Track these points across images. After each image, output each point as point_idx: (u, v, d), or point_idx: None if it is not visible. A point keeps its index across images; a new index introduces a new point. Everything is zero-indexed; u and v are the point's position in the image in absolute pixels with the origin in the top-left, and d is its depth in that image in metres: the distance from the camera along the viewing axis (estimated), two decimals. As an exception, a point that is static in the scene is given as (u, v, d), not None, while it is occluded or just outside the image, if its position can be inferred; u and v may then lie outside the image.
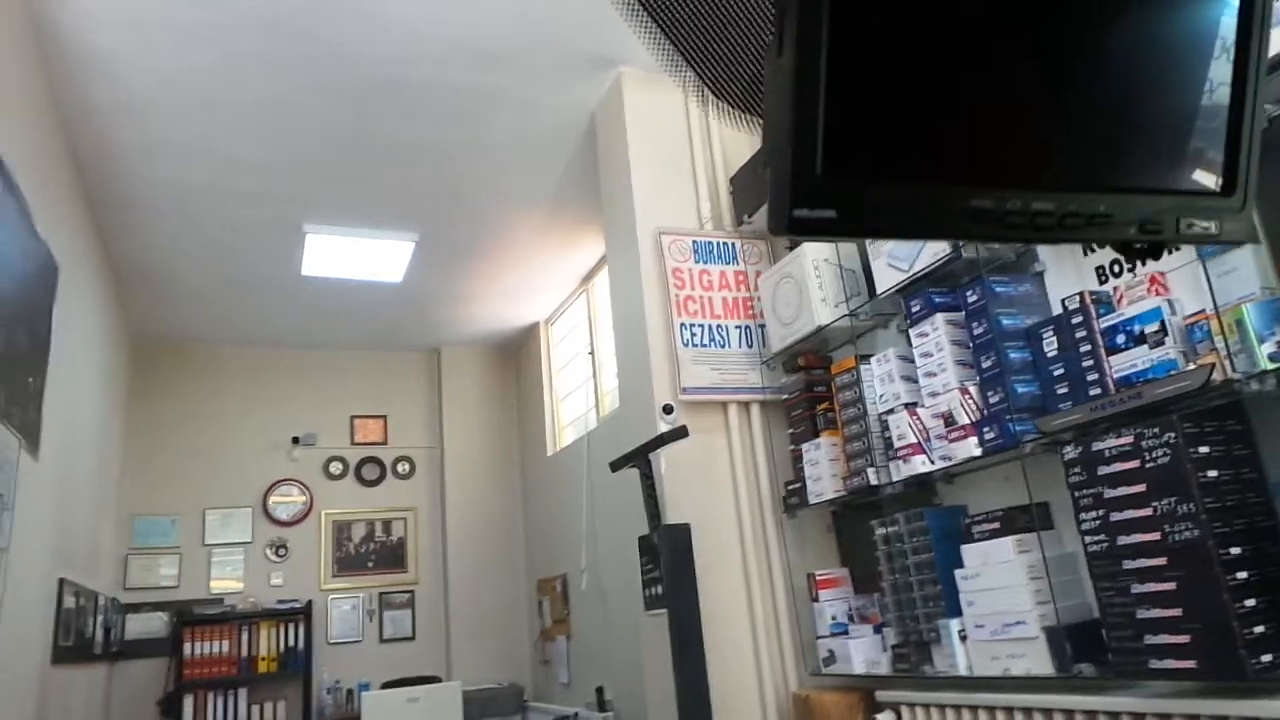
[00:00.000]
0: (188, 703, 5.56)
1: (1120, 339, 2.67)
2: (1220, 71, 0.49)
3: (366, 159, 4.67)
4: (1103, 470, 2.58)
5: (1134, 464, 2.50)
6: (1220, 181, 0.51)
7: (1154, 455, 2.45)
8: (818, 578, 3.87)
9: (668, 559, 3.68)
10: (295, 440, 6.69)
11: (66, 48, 3.72)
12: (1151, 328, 2.59)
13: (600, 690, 5.34)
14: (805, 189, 0.45)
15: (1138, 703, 2.46)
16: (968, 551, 3.09)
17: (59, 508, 4.31)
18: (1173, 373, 2.49)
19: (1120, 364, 2.65)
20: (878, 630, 3.59)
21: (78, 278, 4.60)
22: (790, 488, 4.00)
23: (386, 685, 5.93)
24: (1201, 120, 0.50)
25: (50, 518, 4.15)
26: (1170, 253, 2.69)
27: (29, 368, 3.73)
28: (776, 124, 0.45)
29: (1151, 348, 2.58)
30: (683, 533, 3.79)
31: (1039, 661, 2.79)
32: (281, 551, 6.51)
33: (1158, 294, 2.64)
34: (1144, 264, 2.75)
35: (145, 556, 6.13)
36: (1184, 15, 0.50)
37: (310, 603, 6.24)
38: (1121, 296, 2.75)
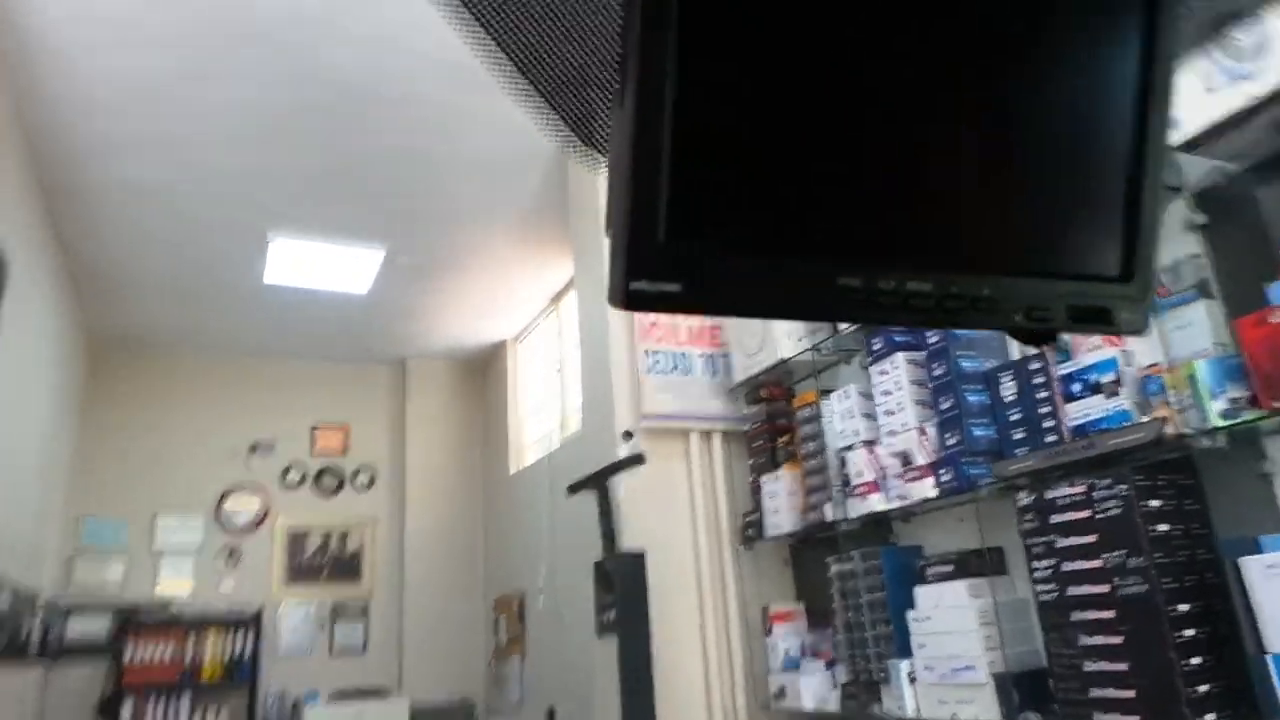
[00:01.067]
0: (126, 707, 5.41)
1: (1076, 387, 2.67)
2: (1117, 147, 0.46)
3: (336, 168, 4.61)
4: (1055, 519, 2.57)
5: (1085, 514, 2.49)
6: (1118, 268, 0.48)
7: (1105, 506, 2.44)
8: (772, 611, 3.83)
9: (620, 586, 3.63)
10: (253, 448, 6.57)
11: (24, 36, 3.63)
12: (1107, 378, 2.59)
13: (551, 711, 5.26)
14: (645, 259, 0.40)
15: (1087, 755, 2.44)
16: (921, 593, 3.07)
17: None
18: (1126, 424, 2.49)
19: (1075, 412, 2.65)
20: (829, 667, 3.56)
21: (30, 273, 4.48)
22: (749, 519, 3.97)
23: (335, 696, 5.82)
24: (1097, 201, 0.47)
25: (-11, 517, 4.02)
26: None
27: (-27, 363, 3.63)
28: (616, 183, 0.40)
29: (1107, 398, 2.59)
30: (637, 560, 3.74)
31: (986, 708, 2.77)
32: (233, 557, 6.38)
33: (1113, 345, 2.64)
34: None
35: (92, 558, 5.98)
36: (1080, 86, 0.46)
37: (260, 610, 6.11)
38: (1079, 344, 2.75)
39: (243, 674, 5.84)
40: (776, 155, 0.42)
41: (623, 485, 3.91)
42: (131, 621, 5.69)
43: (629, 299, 0.40)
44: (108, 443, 6.21)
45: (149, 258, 5.35)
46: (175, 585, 6.16)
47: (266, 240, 5.11)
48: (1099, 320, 0.48)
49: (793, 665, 3.70)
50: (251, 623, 5.99)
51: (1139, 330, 0.48)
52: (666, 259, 0.40)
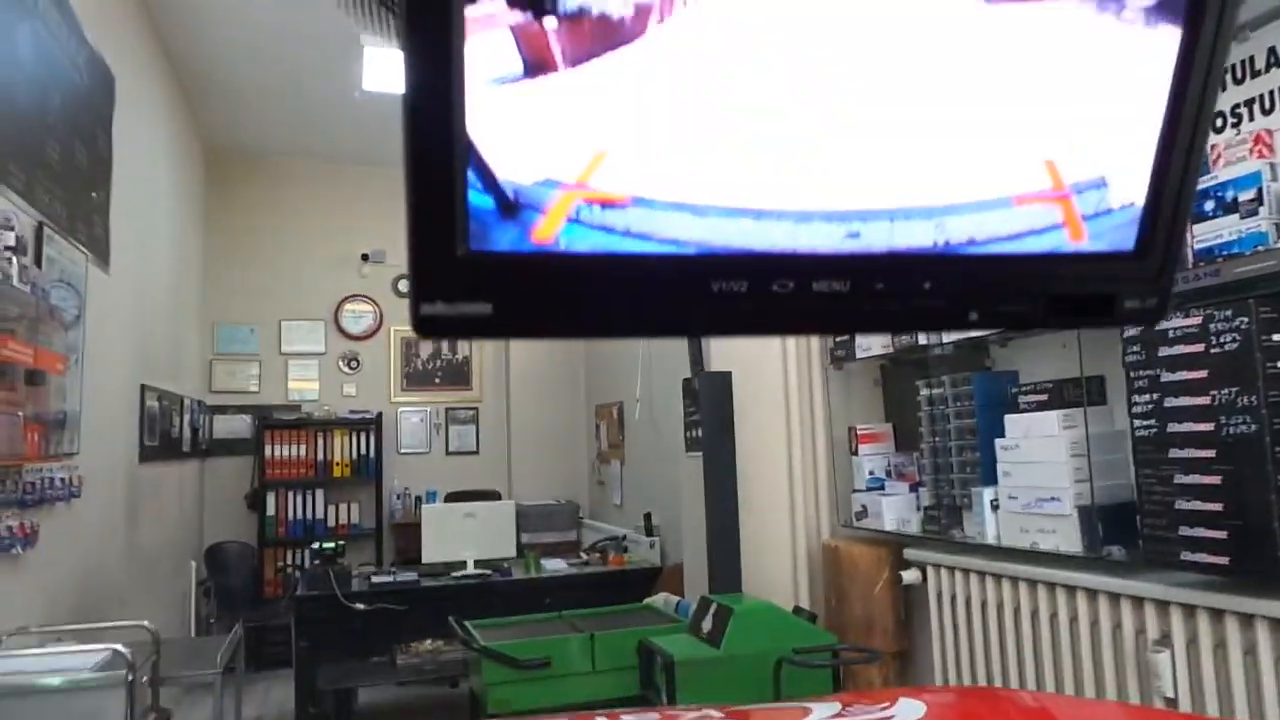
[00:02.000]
0: (270, 499, 6.05)
1: (1209, 205, 2.39)
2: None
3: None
4: (1164, 352, 2.39)
5: (1198, 348, 2.30)
6: (1131, 238, 0.36)
7: (1221, 340, 2.24)
8: (859, 432, 3.82)
9: (706, 406, 3.67)
10: (365, 257, 6.81)
11: None
12: (1246, 195, 2.29)
13: (648, 516, 5.55)
14: (442, 274, 0.31)
15: (1165, 590, 2.39)
16: (1011, 421, 2.97)
17: (138, 318, 4.54)
18: (1260, 248, 2.23)
19: (1204, 233, 2.39)
20: (913, 489, 3.56)
21: (140, 88, 4.59)
22: (839, 339, 3.88)
23: (450, 497, 6.31)
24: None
25: (128, 328, 4.37)
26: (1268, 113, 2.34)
27: (91, 182, 3.81)
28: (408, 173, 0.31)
29: (1243, 218, 2.30)
30: (723, 380, 3.75)
31: (1068, 539, 2.73)
32: (354, 364, 6.81)
33: (1261, 155, 2.32)
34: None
35: (228, 362, 6.50)
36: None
37: (380, 414, 6.58)
38: (1219, 155, 2.43)
39: (369, 471, 6.38)
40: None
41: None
42: (268, 421, 6.24)
43: (422, 326, 0.32)
44: (231, 252, 6.56)
45: (252, 68, 5.39)
46: (303, 387, 6.66)
47: (361, 45, 5.04)
48: (1094, 312, 0.36)
49: (877, 485, 3.72)
50: (373, 425, 6.46)
51: (1153, 321, 0.36)
52: (473, 273, 0.31)
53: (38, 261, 3.01)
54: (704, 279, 0.33)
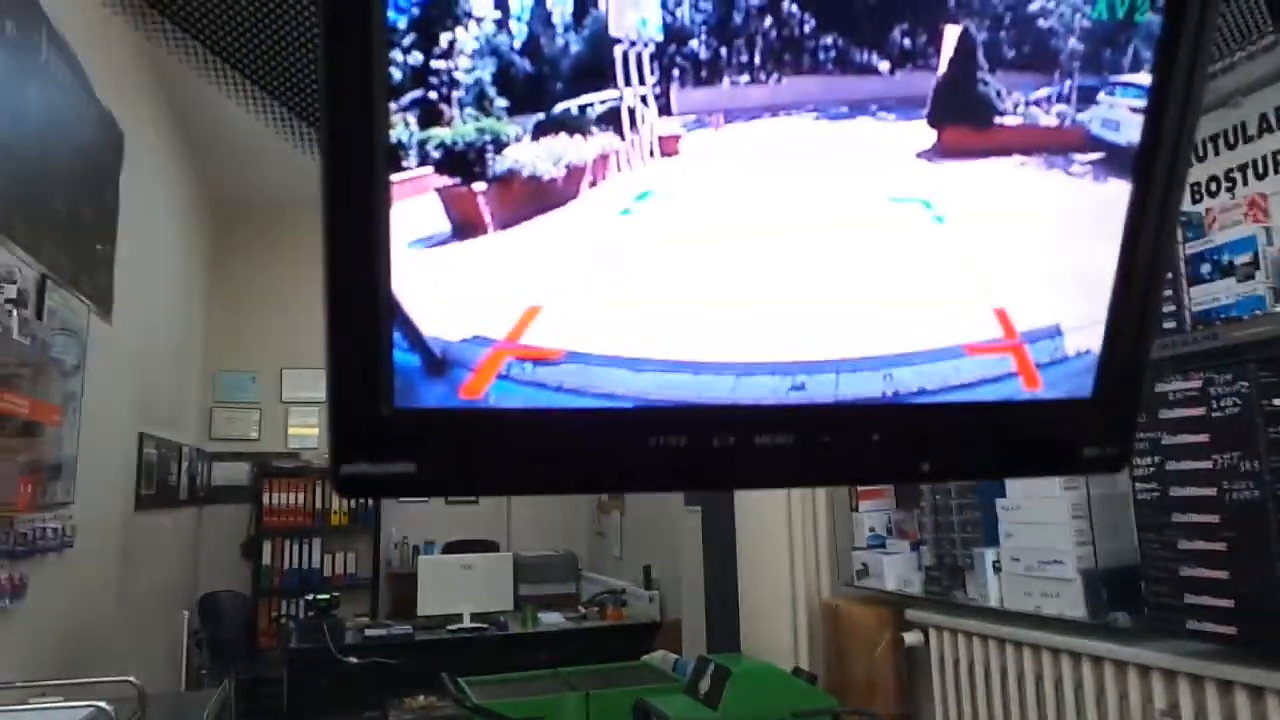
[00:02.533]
0: (266, 548, 5.99)
1: (1205, 268, 2.39)
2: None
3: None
4: (1164, 414, 2.36)
5: (1199, 411, 2.28)
6: (1089, 385, 0.35)
7: (1222, 404, 2.22)
8: (860, 488, 3.78)
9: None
10: (368, 307, 6.85)
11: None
12: (1242, 259, 2.30)
13: (648, 569, 5.48)
14: (365, 434, 0.30)
15: (1173, 660, 2.33)
16: (1012, 482, 2.94)
17: (139, 367, 4.54)
18: (1258, 313, 2.22)
19: (1200, 297, 2.38)
20: (914, 548, 3.51)
21: (148, 143, 4.66)
22: (840, 395, 3.86)
23: (448, 547, 6.26)
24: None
25: (129, 377, 4.37)
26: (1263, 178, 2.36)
27: (97, 235, 3.85)
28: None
29: (1239, 281, 2.30)
30: (722, 435, 3.73)
31: (1072, 603, 2.67)
32: (355, 413, 6.80)
33: (1256, 220, 2.32)
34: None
35: (228, 409, 6.49)
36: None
37: (381, 463, 6.53)
38: (1214, 220, 2.44)
39: (367, 520, 6.33)
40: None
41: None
42: (267, 469, 6.21)
43: (342, 486, 0.30)
44: (234, 300, 6.60)
45: (259, 126, 5.47)
46: (303, 434, 6.65)
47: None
48: (1053, 461, 0.35)
49: (878, 543, 3.67)
50: (373, 474, 6.42)
51: (1114, 469, 0.35)
52: (397, 431, 0.30)
53: (39, 314, 3.02)
54: (641, 434, 0.31)
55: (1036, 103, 0.31)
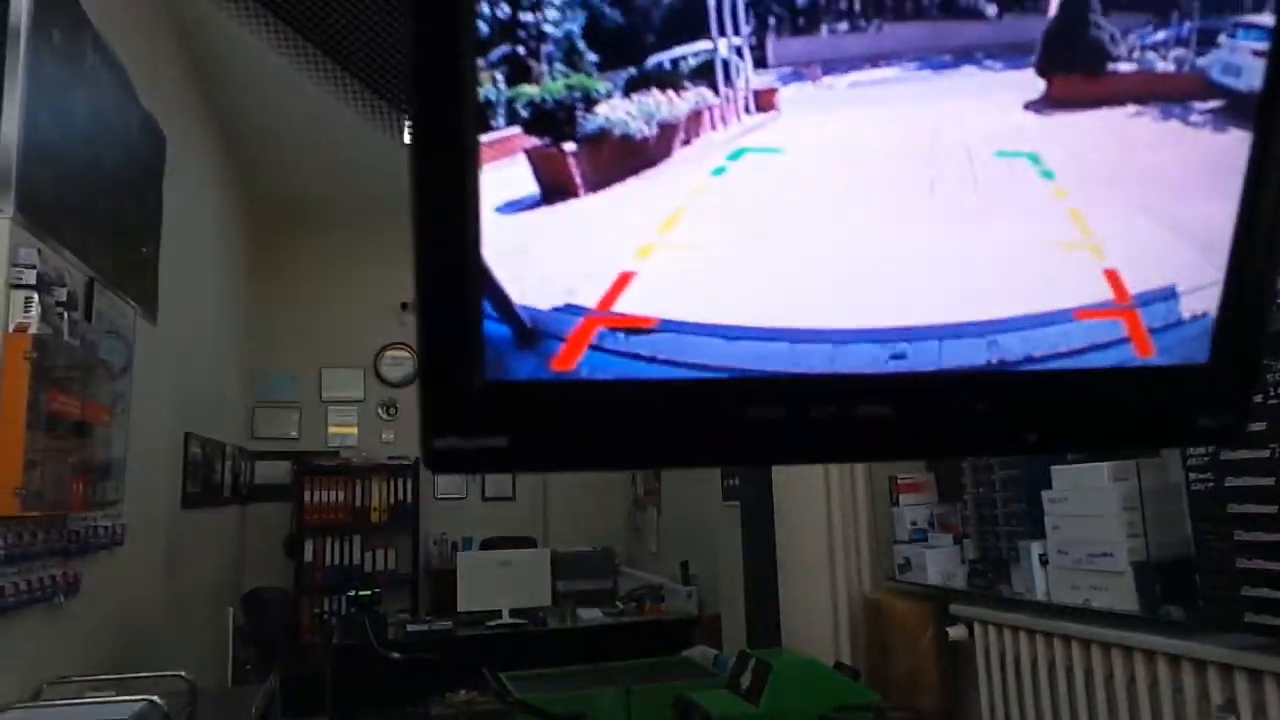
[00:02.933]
0: (308, 546, 6.08)
1: None
2: None
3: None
4: (1219, 402, 2.30)
5: (1257, 397, 2.21)
6: (1205, 349, 0.33)
7: (1279, 391, 2.15)
8: (900, 481, 3.73)
9: (742, 455, 3.62)
10: (404, 306, 6.90)
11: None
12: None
13: (685, 565, 5.47)
14: (458, 407, 0.29)
15: (1230, 654, 2.27)
16: (1058, 473, 2.88)
17: (182, 368, 4.62)
18: (1319, 298, 2.15)
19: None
20: (957, 541, 3.46)
21: (190, 146, 4.74)
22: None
23: (485, 544, 6.29)
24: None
25: (173, 377, 4.45)
26: None
27: (141, 238, 3.91)
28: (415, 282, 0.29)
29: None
30: (761, 429, 3.70)
31: (1124, 597, 2.62)
32: (392, 411, 6.87)
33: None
34: None
35: (269, 409, 6.59)
36: None
37: (419, 459, 6.59)
38: None
39: (406, 517, 6.39)
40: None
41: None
42: (307, 467, 6.29)
43: (433, 460, 0.30)
44: (274, 301, 6.70)
45: (298, 123, 5.54)
46: (342, 433, 6.73)
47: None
48: (1166, 431, 0.33)
49: (920, 537, 3.63)
50: (411, 470, 6.48)
51: (1230, 441, 0.33)
52: (489, 404, 0.29)
53: (88, 316, 3.08)
54: (738, 405, 0.30)
55: (1153, 47, 0.29)
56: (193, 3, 4.28)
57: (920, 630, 3.43)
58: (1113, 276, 0.31)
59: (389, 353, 6.92)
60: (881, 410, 0.30)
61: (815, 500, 3.83)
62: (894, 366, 0.31)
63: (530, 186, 0.29)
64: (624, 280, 0.29)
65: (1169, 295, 0.31)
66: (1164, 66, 0.29)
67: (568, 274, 0.29)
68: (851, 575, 3.79)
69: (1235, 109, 0.30)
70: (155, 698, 2.50)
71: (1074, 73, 0.29)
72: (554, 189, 0.29)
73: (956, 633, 3.29)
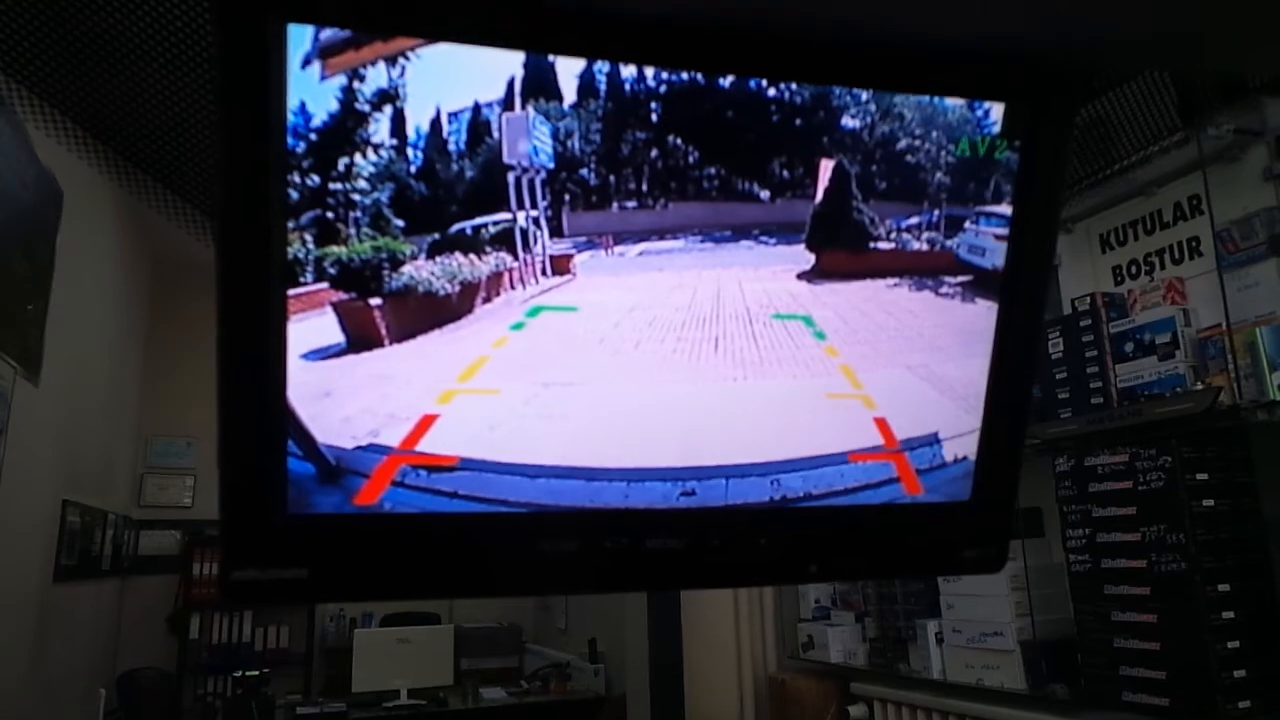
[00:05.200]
0: (194, 622, 5.74)
1: (1129, 347, 2.49)
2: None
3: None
4: (1094, 487, 2.43)
5: (1126, 484, 2.34)
6: (968, 489, 0.37)
7: (1148, 478, 2.29)
8: (804, 559, 3.78)
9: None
10: (312, 372, 6.74)
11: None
12: (1163, 338, 2.40)
13: (593, 642, 5.37)
14: (257, 541, 0.30)
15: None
16: (951, 553, 2.97)
17: (66, 431, 4.39)
18: (1178, 390, 2.32)
19: (1126, 373, 2.48)
20: (859, 619, 3.51)
21: (90, 203, 4.59)
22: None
23: (387, 620, 6.05)
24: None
25: (54, 441, 4.22)
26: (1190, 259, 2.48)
27: (27, 295, 3.75)
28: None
29: (1161, 359, 2.41)
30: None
31: (1013, 675, 2.69)
32: (294, 480, 6.62)
33: (1174, 302, 2.44)
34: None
35: (161, 476, 6.27)
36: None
37: (320, 532, 6.36)
38: (1136, 301, 2.55)
39: (303, 591, 6.11)
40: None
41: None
42: (199, 538, 5.98)
43: (230, 592, 0.30)
44: (173, 365, 6.44)
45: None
46: (240, 504, 6.44)
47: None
48: (935, 561, 0.36)
49: (823, 614, 3.66)
50: (311, 543, 6.23)
51: (992, 569, 0.37)
52: (291, 538, 0.30)
53: (-39, 376, 2.92)
54: (533, 539, 0.32)
55: (907, 229, 0.34)
56: (103, 59, 4.20)
57: (823, 709, 3.44)
58: (882, 424, 0.35)
59: (293, 419, 6.71)
60: (672, 543, 0.32)
61: (721, 577, 3.84)
62: (684, 503, 0.33)
63: (337, 336, 0.30)
64: (427, 422, 0.31)
65: (933, 441, 0.35)
66: (918, 246, 0.34)
67: (372, 416, 0.31)
68: (756, 653, 3.80)
69: (982, 283, 0.34)
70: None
71: (839, 249, 0.33)
72: (360, 339, 0.30)
73: (858, 711, 3.31)
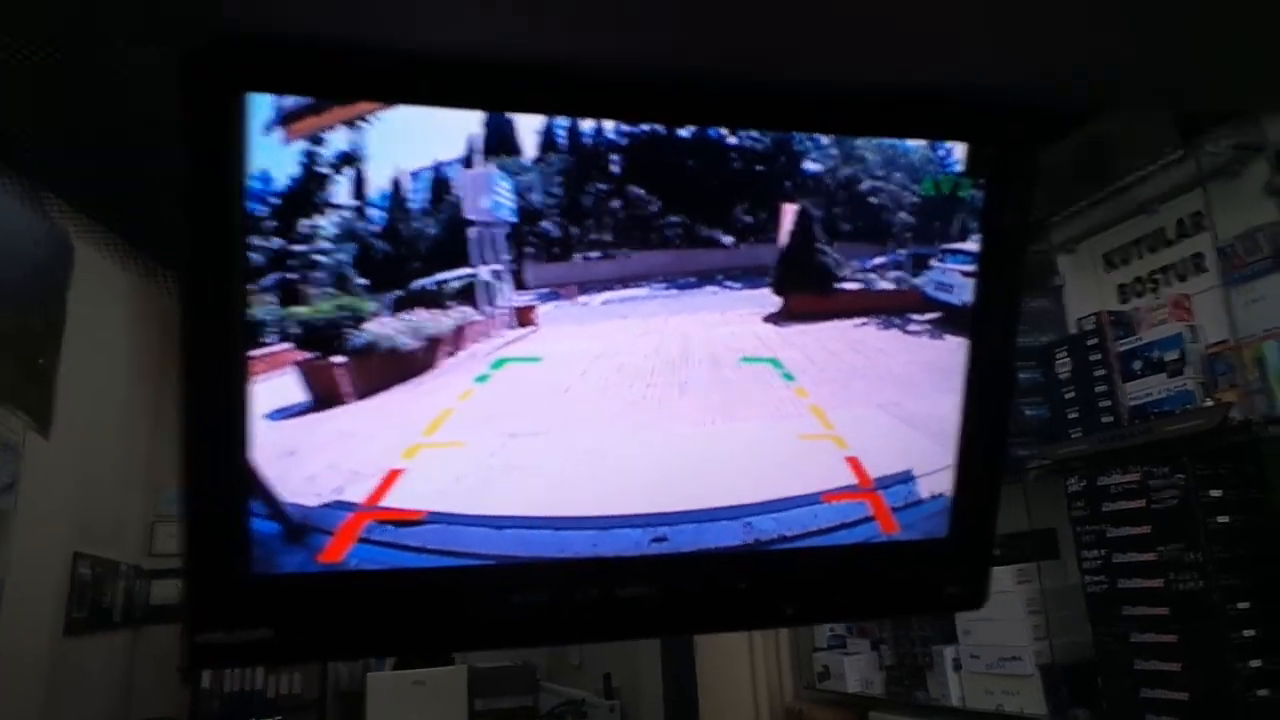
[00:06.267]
0: (206, 672, 5.69)
1: (1137, 365, 2.48)
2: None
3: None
4: (1107, 507, 2.40)
5: (1139, 503, 2.32)
6: (945, 526, 0.36)
7: (1162, 496, 2.27)
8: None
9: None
10: (321, 414, 6.76)
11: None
12: (1171, 355, 2.39)
13: (608, 678, 5.31)
14: (221, 603, 0.30)
15: (1133, 756, 2.30)
16: (966, 577, 2.94)
17: (77, 483, 4.40)
18: (1189, 407, 2.30)
19: (1135, 391, 2.47)
20: (874, 647, 3.46)
21: (101, 257, 4.64)
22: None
23: (398, 665, 6.00)
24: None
25: (65, 493, 4.23)
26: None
27: (39, 349, 3.78)
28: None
29: (1169, 376, 2.39)
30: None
31: (1033, 701, 2.64)
32: (305, 523, 6.61)
33: (1181, 319, 2.43)
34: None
35: (172, 524, 6.26)
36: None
37: (332, 575, 6.34)
38: (1142, 319, 2.54)
39: (315, 635, 6.07)
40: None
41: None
42: (211, 584, 5.96)
43: (196, 656, 0.31)
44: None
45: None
46: (252, 549, 6.43)
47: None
48: (914, 600, 0.36)
49: (838, 644, 3.62)
50: (323, 586, 6.20)
51: (973, 606, 0.37)
52: (254, 598, 0.30)
53: (-29, 431, 2.94)
54: (503, 591, 0.32)
55: (873, 269, 0.34)
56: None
57: (842, 742, 3.38)
58: (854, 463, 0.34)
59: (303, 462, 6.72)
60: (644, 590, 0.32)
61: (735, 609, 3.81)
62: (656, 549, 0.33)
63: (301, 395, 0.30)
64: (392, 477, 0.31)
65: (907, 478, 0.35)
66: (884, 285, 0.34)
67: (336, 473, 0.31)
68: (772, 684, 3.75)
69: (951, 320, 0.34)
70: None
71: (805, 291, 0.33)
72: (323, 397, 0.30)
73: (877, 744, 3.26)
